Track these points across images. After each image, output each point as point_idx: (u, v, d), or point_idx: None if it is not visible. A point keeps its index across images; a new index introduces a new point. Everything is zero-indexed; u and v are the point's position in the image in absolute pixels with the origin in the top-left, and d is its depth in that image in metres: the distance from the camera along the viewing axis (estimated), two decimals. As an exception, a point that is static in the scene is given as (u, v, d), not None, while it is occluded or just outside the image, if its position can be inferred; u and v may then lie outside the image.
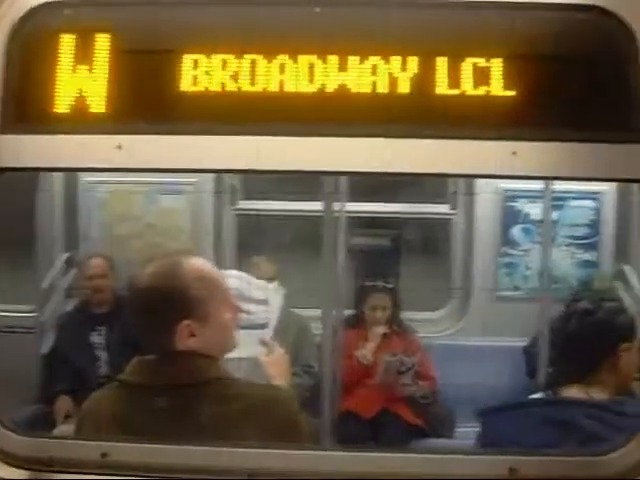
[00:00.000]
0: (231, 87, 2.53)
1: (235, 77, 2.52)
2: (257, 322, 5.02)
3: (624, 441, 2.38)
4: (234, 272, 5.15)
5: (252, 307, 5.05)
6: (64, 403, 5.98)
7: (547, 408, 2.83)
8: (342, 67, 2.50)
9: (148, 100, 2.59)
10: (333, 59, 2.50)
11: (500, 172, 2.51)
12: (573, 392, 2.85)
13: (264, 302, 5.15)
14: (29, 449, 2.52)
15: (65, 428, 5.56)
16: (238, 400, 2.48)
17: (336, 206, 5.20)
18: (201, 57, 2.53)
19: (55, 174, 6.62)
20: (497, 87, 2.45)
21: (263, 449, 2.45)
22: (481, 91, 2.46)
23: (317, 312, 5.36)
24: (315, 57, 2.50)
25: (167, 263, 2.58)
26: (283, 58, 2.52)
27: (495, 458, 2.41)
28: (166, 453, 2.46)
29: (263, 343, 4.52)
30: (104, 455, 2.46)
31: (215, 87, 2.53)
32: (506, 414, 2.87)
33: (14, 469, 2.50)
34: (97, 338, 6.30)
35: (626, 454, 2.36)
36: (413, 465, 2.43)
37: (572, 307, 2.94)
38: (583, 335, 2.86)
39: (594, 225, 6.71)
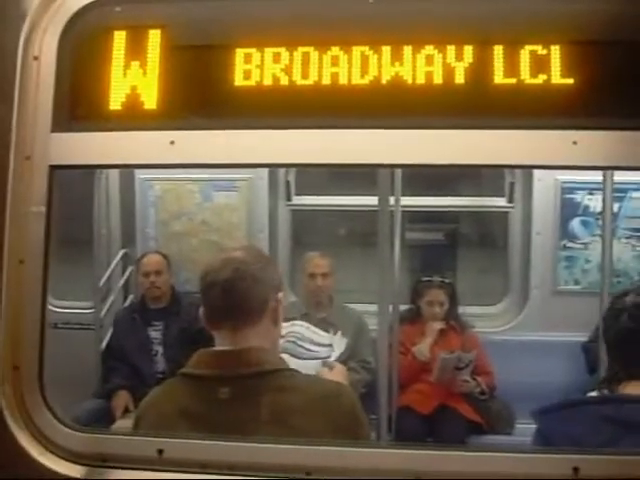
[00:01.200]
0: (283, 81, 2.51)
1: (287, 70, 2.50)
2: (320, 356, 5.27)
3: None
4: (299, 322, 5.59)
5: (317, 348, 5.32)
6: (122, 398, 6.03)
7: (604, 406, 2.76)
8: (396, 58, 2.46)
9: (200, 95, 2.58)
10: (387, 50, 2.46)
11: (561, 162, 2.45)
12: (631, 389, 2.77)
13: (329, 345, 5.39)
14: (85, 445, 2.53)
15: (123, 423, 5.61)
16: (300, 392, 2.51)
17: (391, 200, 5.14)
18: (253, 51, 2.51)
19: (111, 172, 6.70)
20: (556, 75, 2.39)
21: (321, 446, 2.43)
22: (539, 79, 2.40)
23: (373, 307, 5.32)
24: (367, 48, 2.47)
25: (245, 247, 2.69)
26: (336, 50, 2.49)
27: (559, 457, 2.35)
28: (223, 450, 2.45)
29: (325, 364, 4.72)
30: (160, 451, 2.46)
31: (267, 81, 2.51)
32: (561, 414, 2.80)
33: (70, 464, 2.52)
34: (154, 333, 6.34)
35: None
36: (473, 463, 2.39)
37: (621, 302, 2.87)
38: (636, 330, 2.79)
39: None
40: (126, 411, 5.93)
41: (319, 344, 5.53)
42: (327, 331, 5.87)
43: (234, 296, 2.52)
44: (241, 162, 2.64)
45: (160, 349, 6.27)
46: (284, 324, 5.39)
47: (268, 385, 2.50)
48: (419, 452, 2.50)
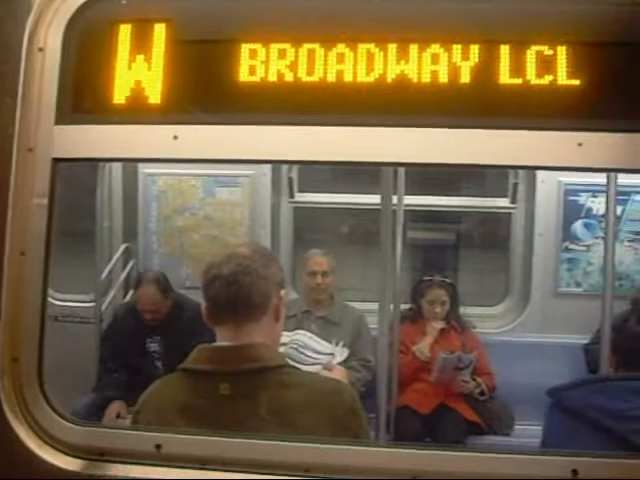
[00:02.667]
0: (288, 77, 2.50)
1: (292, 67, 2.50)
2: (322, 363, 5.33)
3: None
4: (302, 331, 5.80)
5: (319, 356, 5.38)
6: (115, 409, 5.84)
7: (631, 382, 2.90)
8: (402, 56, 2.45)
9: (205, 90, 2.57)
10: (392, 48, 2.45)
11: (566, 164, 2.44)
12: None
13: (330, 354, 5.45)
14: (84, 439, 2.53)
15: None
16: (301, 388, 2.52)
17: (394, 199, 5.14)
18: (258, 47, 2.51)
19: (114, 166, 6.70)
20: (562, 76, 2.38)
21: (320, 444, 2.43)
22: (545, 80, 2.39)
23: (374, 306, 5.32)
24: (374, 46, 2.46)
25: (249, 244, 2.74)
26: (341, 47, 2.48)
27: (558, 459, 2.34)
28: (221, 446, 2.45)
29: (324, 367, 4.79)
30: (158, 446, 2.46)
31: (272, 77, 2.51)
32: (591, 387, 3.01)
33: (69, 458, 2.52)
34: (153, 346, 6.13)
35: None
36: (473, 464, 2.38)
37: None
38: None
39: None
40: (118, 417, 5.81)
41: (321, 353, 5.58)
42: (328, 331, 5.89)
43: (237, 291, 2.52)
44: (244, 158, 2.63)
45: (160, 364, 6.06)
46: (287, 332, 5.47)
47: (269, 381, 2.50)
48: (417, 452, 2.49)
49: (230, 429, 2.46)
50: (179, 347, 5.64)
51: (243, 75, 2.52)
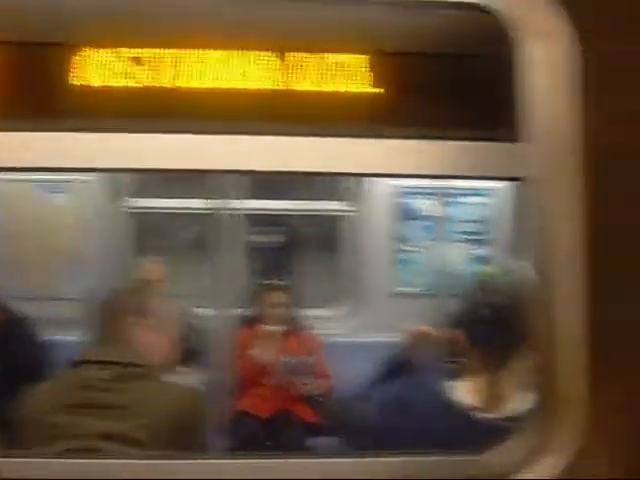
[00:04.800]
0: (116, 82, 2.44)
1: (122, 72, 2.44)
2: None
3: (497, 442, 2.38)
4: None
5: None
6: None
7: None
8: (230, 62, 2.44)
9: (31, 95, 2.47)
10: (217, 54, 2.44)
11: (395, 171, 2.48)
12: None
13: None
14: None
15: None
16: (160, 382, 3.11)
17: (228, 203, 5.12)
18: (88, 50, 2.43)
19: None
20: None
21: (151, 460, 2.38)
22: (377, 89, 2.43)
23: (213, 312, 5.28)
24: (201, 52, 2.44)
25: None
26: (170, 53, 2.44)
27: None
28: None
29: None
30: None
31: (100, 82, 2.44)
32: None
33: None
34: None
35: (498, 455, 2.36)
36: (313, 468, 2.39)
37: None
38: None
39: (487, 221, 6.80)
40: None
41: None
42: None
43: None
44: (71, 166, 2.54)
45: None
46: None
47: (138, 372, 3.01)
48: (258, 461, 2.48)
49: None
50: (12, 363, 5.49)
51: (73, 80, 2.44)
